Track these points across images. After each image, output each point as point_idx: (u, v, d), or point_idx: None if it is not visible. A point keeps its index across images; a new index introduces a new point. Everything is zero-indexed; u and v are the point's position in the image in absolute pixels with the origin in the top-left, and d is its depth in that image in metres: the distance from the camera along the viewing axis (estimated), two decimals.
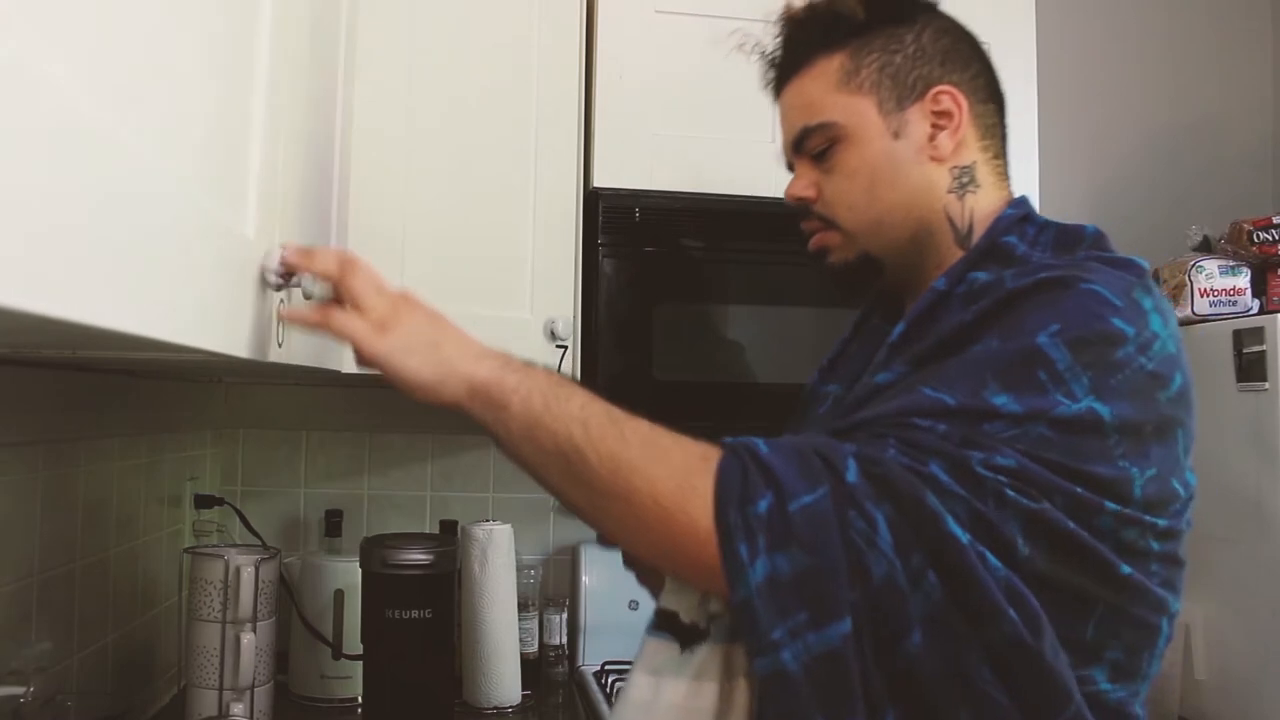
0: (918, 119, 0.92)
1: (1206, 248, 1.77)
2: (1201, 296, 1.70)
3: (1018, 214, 0.91)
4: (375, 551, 1.43)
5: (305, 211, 0.99)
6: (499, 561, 1.61)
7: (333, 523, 1.74)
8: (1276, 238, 1.67)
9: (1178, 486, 0.76)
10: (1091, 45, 2.17)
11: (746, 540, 0.70)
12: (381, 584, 1.42)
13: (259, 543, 1.60)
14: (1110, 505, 0.72)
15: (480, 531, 1.61)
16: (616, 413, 0.78)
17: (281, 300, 0.83)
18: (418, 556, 1.41)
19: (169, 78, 0.55)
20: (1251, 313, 1.67)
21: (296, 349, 0.91)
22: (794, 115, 0.97)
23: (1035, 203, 1.71)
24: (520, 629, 1.66)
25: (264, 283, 0.77)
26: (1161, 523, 0.75)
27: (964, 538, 0.70)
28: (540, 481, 0.80)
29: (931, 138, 0.92)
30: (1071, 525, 0.71)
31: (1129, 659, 0.76)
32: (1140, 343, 0.75)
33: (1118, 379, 0.73)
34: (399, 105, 1.40)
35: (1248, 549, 1.49)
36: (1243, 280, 1.69)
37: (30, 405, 1.10)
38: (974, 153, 0.93)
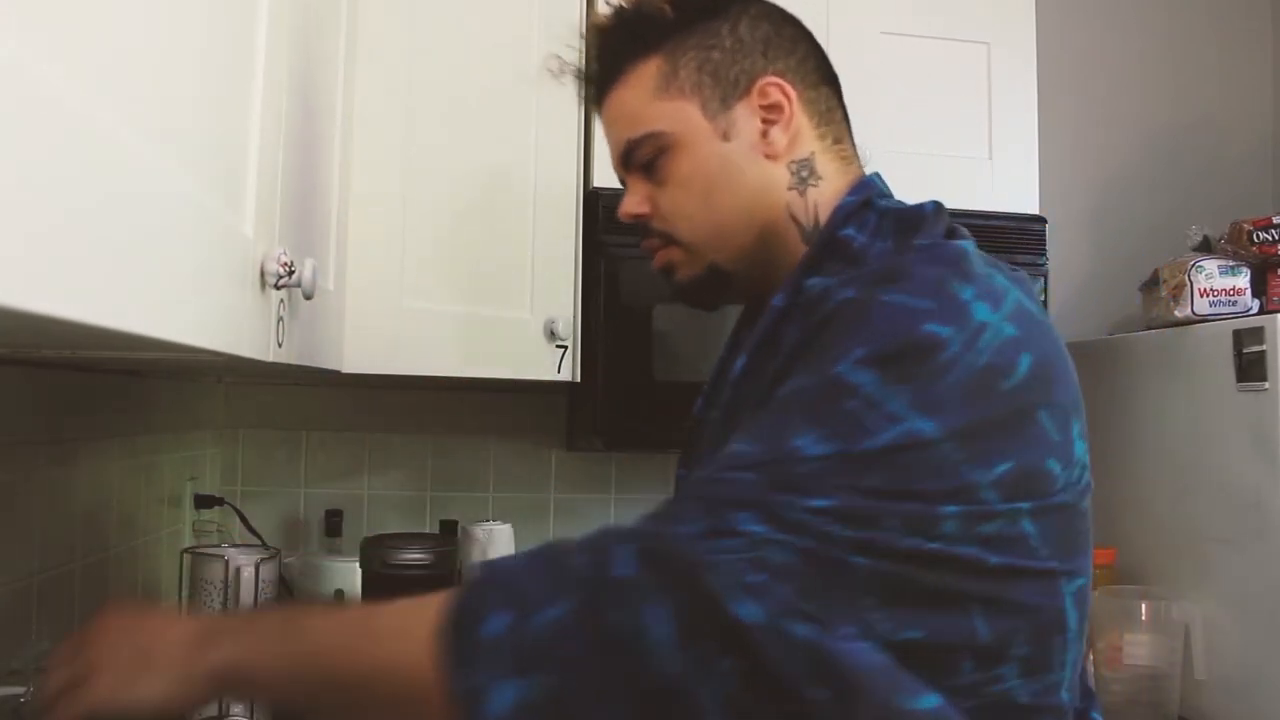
0: (746, 116, 0.87)
1: (1206, 248, 1.77)
2: (1201, 296, 1.70)
3: (856, 200, 0.85)
4: (375, 551, 1.43)
5: (305, 211, 0.99)
6: None
7: (333, 523, 1.74)
8: (1276, 238, 1.66)
9: (1053, 465, 0.70)
10: (1091, 45, 2.16)
11: (469, 670, 0.64)
12: (381, 584, 1.42)
13: (259, 543, 1.60)
14: (951, 509, 0.66)
15: (480, 531, 1.61)
16: (354, 624, 0.74)
17: (281, 300, 0.83)
18: (418, 556, 1.41)
19: (168, 77, 0.55)
20: (1251, 313, 1.66)
21: (296, 349, 0.91)
22: (616, 129, 0.92)
23: (1035, 203, 1.73)
24: None
25: (264, 282, 0.77)
26: (1026, 505, 0.68)
27: (754, 614, 0.63)
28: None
29: (763, 134, 0.87)
30: (910, 541, 0.65)
31: (1037, 650, 0.70)
32: (965, 339, 0.68)
33: (942, 386, 0.67)
34: (399, 105, 1.40)
35: (1248, 549, 1.49)
36: (1243, 280, 1.69)
37: (30, 405, 1.10)
38: (810, 143, 0.88)
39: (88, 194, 0.43)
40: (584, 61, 0.96)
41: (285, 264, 0.78)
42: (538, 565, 0.69)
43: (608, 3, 0.94)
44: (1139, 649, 1.56)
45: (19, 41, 0.35)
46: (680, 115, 0.88)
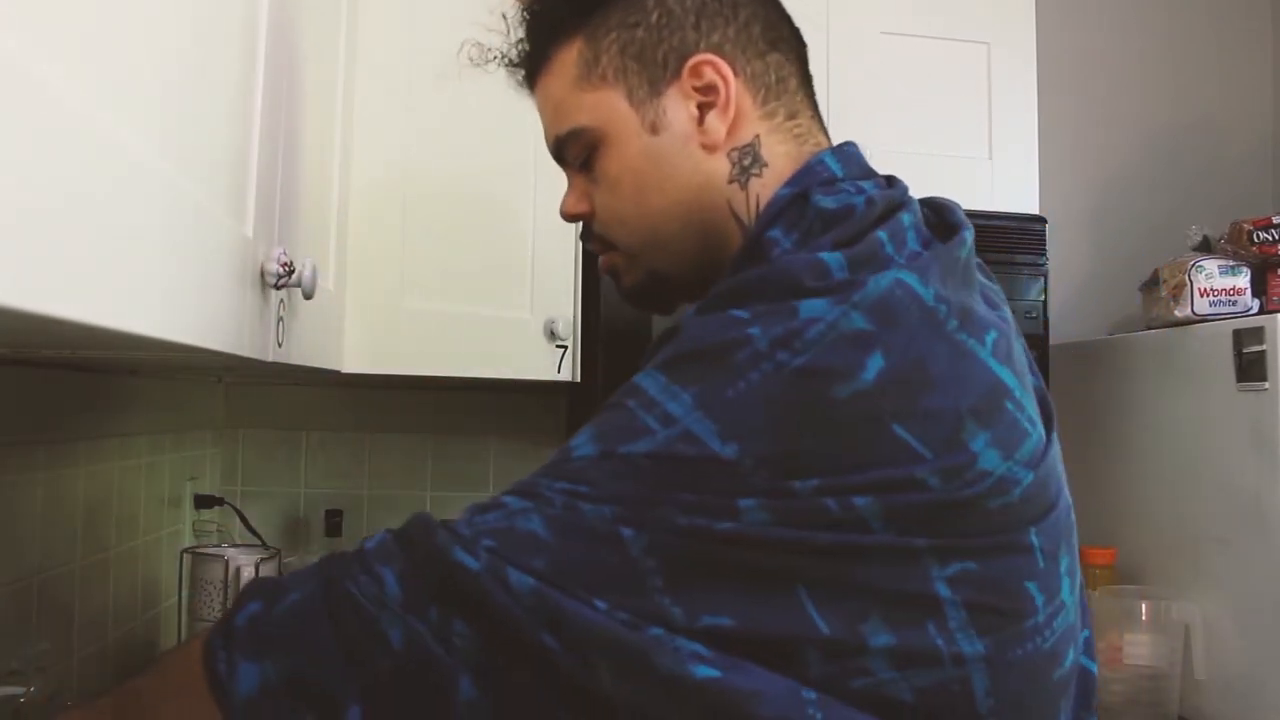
0: (677, 102, 0.77)
1: (1206, 248, 1.77)
2: (1201, 296, 1.70)
3: (790, 194, 0.73)
4: None
5: (305, 212, 0.99)
6: None
7: (333, 523, 1.74)
8: (1276, 238, 1.66)
9: (926, 478, 0.59)
10: (1091, 45, 2.17)
11: (225, 654, 0.63)
12: None
13: (259, 543, 1.60)
14: (747, 503, 0.59)
15: None
16: (151, 679, 0.71)
17: (281, 300, 0.83)
18: None
19: (168, 78, 0.55)
20: (1251, 313, 1.66)
21: (296, 349, 0.91)
22: (546, 122, 0.84)
23: (1035, 203, 1.73)
24: None
25: (264, 282, 0.77)
26: (864, 501, 0.58)
27: (473, 564, 0.60)
28: None
29: (699, 121, 0.76)
30: (692, 521, 0.59)
31: (906, 638, 0.59)
32: (776, 336, 0.60)
33: (737, 390, 0.59)
34: (399, 105, 1.40)
35: (1247, 549, 1.49)
36: (1243, 280, 1.69)
37: (30, 405, 1.10)
38: (754, 124, 0.77)
39: (87, 194, 0.43)
40: (513, 42, 0.86)
41: (285, 264, 0.78)
42: (311, 565, 0.68)
43: None
44: (1139, 649, 1.56)
45: (19, 42, 0.35)
46: (604, 106, 0.78)
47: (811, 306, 0.60)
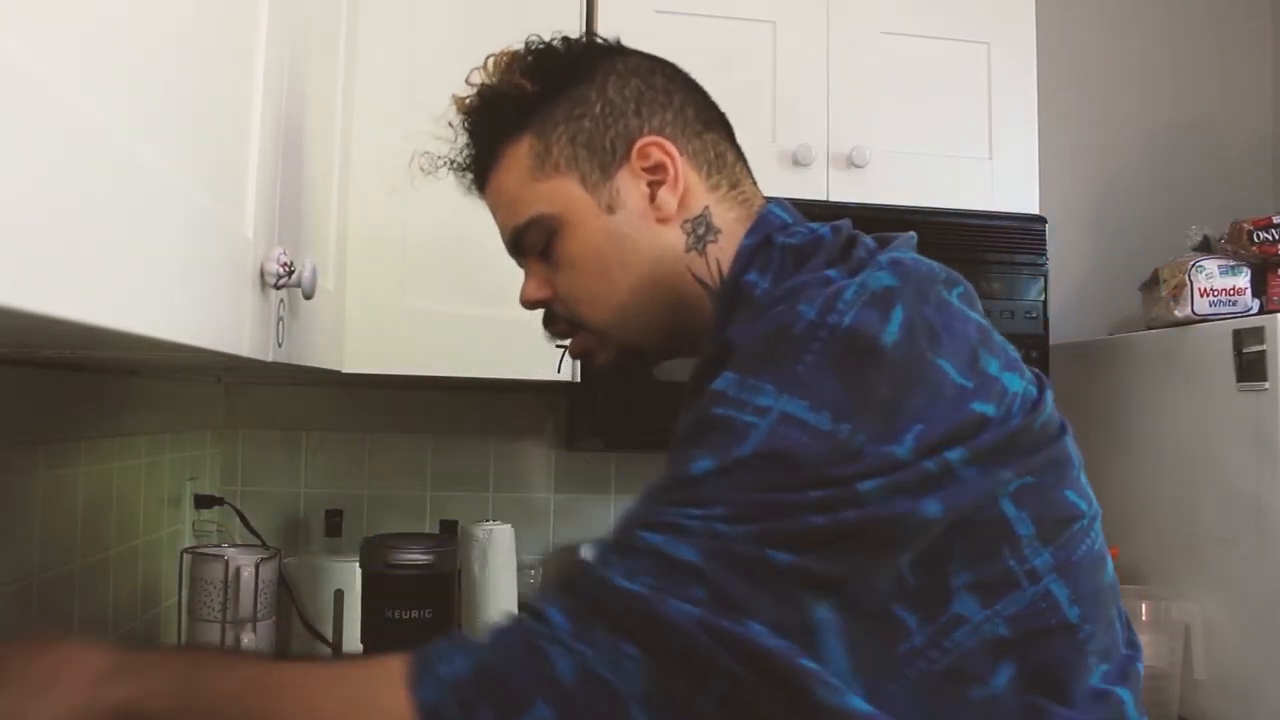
0: (629, 183, 0.83)
1: (1206, 248, 1.77)
2: (1201, 296, 1.70)
3: (754, 242, 0.80)
4: (375, 551, 1.43)
5: (305, 212, 0.99)
6: (499, 561, 1.61)
7: (333, 523, 1.74)
8: (1276, 238, 1.66)
9: (981, 408, 0.66)
10: (1091, 45, 2.17)
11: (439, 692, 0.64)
12: (381, 584, 1.42)
13: (259, 543, 1.60)
14: (868, 485, 0.63)
15: (480, 531, 1.61)
16: (269, 676, 0.72)
17: (281, 300, 0.83)
18: (418, 556, 1.41)
19: (168, 78, 0.55)
20: (1251, 313, 1.66)
21: (296, 349, 0.91)
22: (501, 216, 0.88)
23: (1035, 203, 1.73)
24: None
25: (264, 282, 0.77)
26: (958, 453, 0.65)
27: (637, 589, 0.62)
28: None
29: (651, 198, 0.82)
30: (823, 518, 0.63)
31: (984, 570, 0.66)
32: (821, 304, 0.66)
33: (806, 362, 0.65)
34: (399, 104, 1.40)
35: (1247, 549, 1.49)
36: (1243, 280, 1.69)
37: (30, 405, 1.10)
38: (703, 196, 0.84)
39: (87, 194, 0.43)
40: (459, 148, 0.91)
41: (285, 264, 0.78)
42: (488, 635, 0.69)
43: (469, 85, 0.88)
44: None
45: (19, 42, 0.35)
46: (560, 193, 0.83)
47: (838, 273, 0.68)
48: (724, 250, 0.82)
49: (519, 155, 0.84)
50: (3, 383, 1.02)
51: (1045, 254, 1.68)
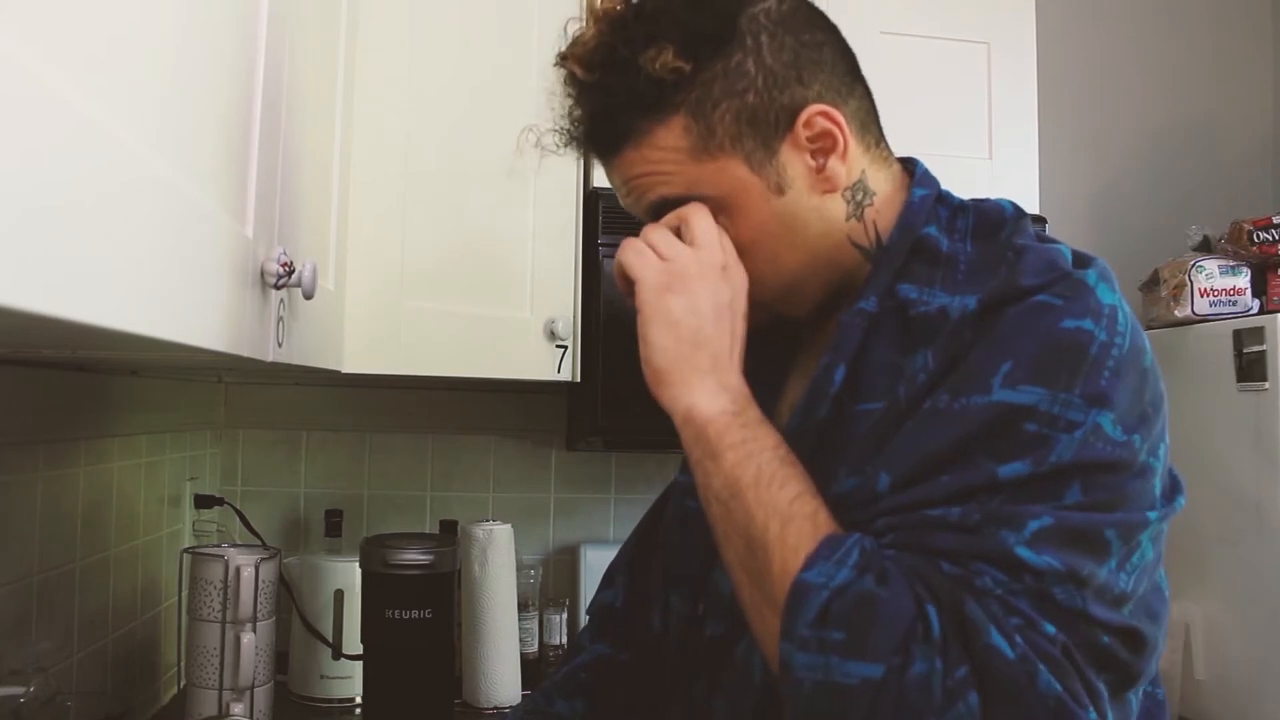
0: (793, 157, 0.77)
1: (1206, 248, 1.77)
2: (1201, 296, 1.70)
3: (929, 195, 0.80)
4: (375, 551, 1.43)
5: (305, 212, 0.99)
6: (499, 561, 1.61)
7: (333, 523, 1.74)
8: (1276, 238, 1.67)
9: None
10: (1091, 45, 2.17)
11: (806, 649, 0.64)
12: (381, 584, 1.42)
13: (259, 543, 1.60)
14: (1151, 515, 0.70)
15: (480, 531, 1.61)
16: (823, 518, 0.69)
17: (281, 300, 0.83)
18: (418, 556, 1.41)
19: (168, 78, 0.55)
20: (1251, 313, 1.66)
21: (296, 349, 0.91)
22: (643, 186, 0.80)
23: (1035, 203, 1.72)
24: (520, 629, 1.66)
25: (264, 282, 0.77)
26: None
27: (1010, 652, 0.61)
28: (718, 544, 0.72)
29: (819, 170, 0.78)
30: (1152, 554, 0.71)
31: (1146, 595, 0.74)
32: (1105, 326, 0.68)
33: (1103, 378, 0.66)
34: (399, 105, 1.40)
35: (1247, 549, 1.49)
36: (1243, 280, 1.69)
37: (30, 405, 1.10)
38: (859, 159, 0.80)
39: (88, 194, 0.43)
40: (574, 119, 0.83)
41: (285, 264, 0.78)
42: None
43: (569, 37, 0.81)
44: None
45: (19, 41, 0.35)
46: (726, 175, 0.77)
47: (1105, 293, 0.70)
48: (880, 213, 0.80)
49: (671, 135, 0.77)
50: (3, 383, 1.02)
51: None
